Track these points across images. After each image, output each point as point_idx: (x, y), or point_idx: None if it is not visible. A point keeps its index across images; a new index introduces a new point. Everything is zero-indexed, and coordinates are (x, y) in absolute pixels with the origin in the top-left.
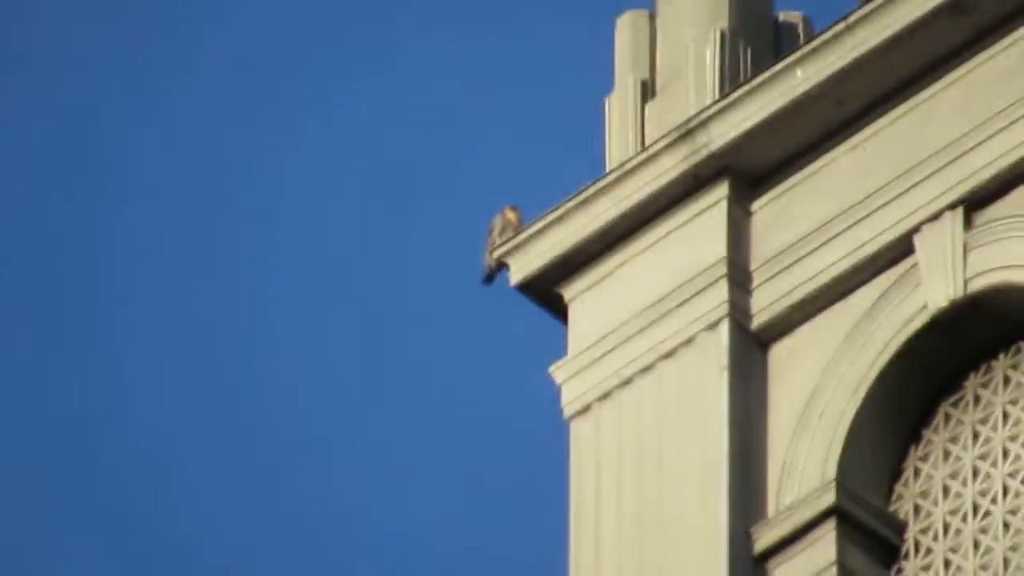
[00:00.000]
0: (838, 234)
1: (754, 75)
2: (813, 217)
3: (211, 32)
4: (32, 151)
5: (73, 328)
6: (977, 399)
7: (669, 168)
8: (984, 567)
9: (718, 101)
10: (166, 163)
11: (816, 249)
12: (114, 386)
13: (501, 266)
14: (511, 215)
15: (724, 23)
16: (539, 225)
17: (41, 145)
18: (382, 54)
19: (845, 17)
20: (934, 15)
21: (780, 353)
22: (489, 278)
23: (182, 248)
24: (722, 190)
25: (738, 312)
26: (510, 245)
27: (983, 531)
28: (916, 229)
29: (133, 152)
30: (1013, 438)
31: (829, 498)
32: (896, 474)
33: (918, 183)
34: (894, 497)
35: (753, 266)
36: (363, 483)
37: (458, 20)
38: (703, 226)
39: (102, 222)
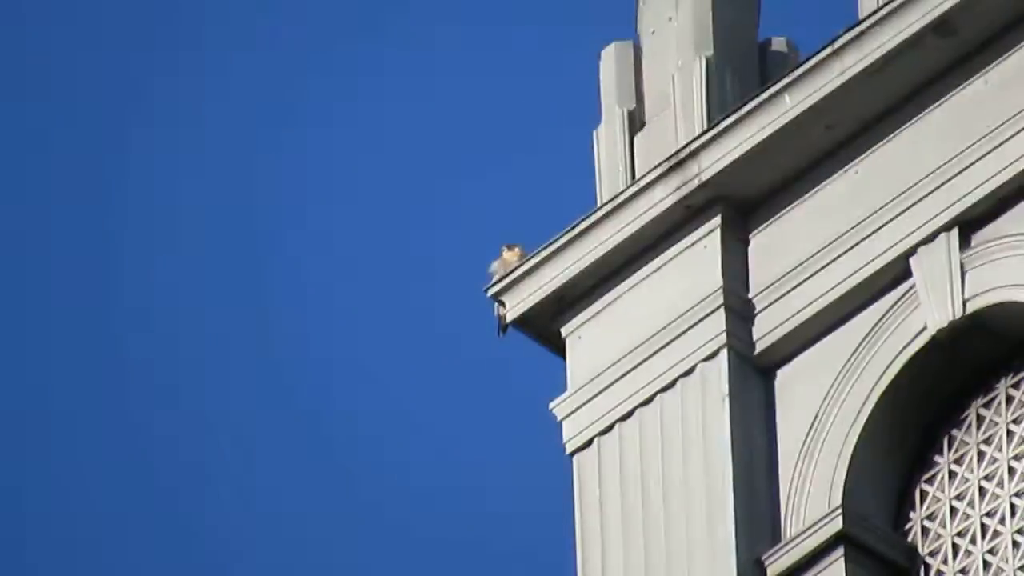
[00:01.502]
0: (834, 259)
1: (742, 103)
2: (808, 243)
3: (215, 31)
4: (30, 151)
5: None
6: (980, 419)
7: (661, 199)
8: None
9: (707, 130)
10: (170, 162)
11: (813, 275)
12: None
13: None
14: (508, 255)
15: (709, 51)
16: (533, 261)
17: (40, 144)
18: (367, 87)
19: (832, 42)
20: (920, 37)
21: (781, 380)
22: (503, 328)
23: (195, 249)
24: (715, 219)
25: (737, 341)
26: (505, 283)
27: (992, 552)
28: (912, 251)
29: (131, 150)
30: (1018, 457)
31: (836, 524)
32: (903, 497)
33: (912, 205)
34: (902, 521)
35: (750, 294)
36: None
37: (436, 58)
38: (698, 256)
39: (108, 220)
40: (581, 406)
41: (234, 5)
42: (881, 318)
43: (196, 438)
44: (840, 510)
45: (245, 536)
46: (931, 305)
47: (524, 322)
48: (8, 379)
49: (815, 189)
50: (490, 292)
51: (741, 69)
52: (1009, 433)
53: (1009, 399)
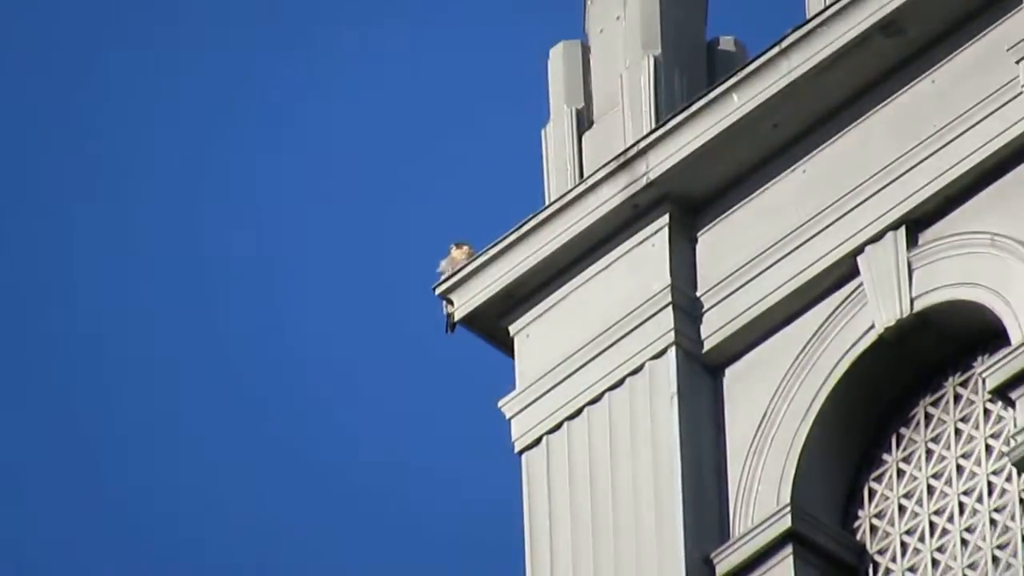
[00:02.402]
0: (782, 258)
1: (690, 102)
2: (756, 242)
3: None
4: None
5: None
6: (928, 418)
7: (609, 198)
8: None
9: (655, 129)
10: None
11: (761, 273)
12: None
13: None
14: (457, 253)
15: (657, 50)
16: (481, 259)
17: (15, 139)
18: (315, 86)
19: (779, 41)
20: (867, 37)
21: (729, 378)
22: (451, 327)
23: (172, 245)
24: (663, 218)
25: (685, 339)
26: (453, 281)
27: (940, 550)
28: (860, 250)
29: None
30: (966, 456)
31: (785, 522)
32: (851, 495)
33: (859, 204)
34: (850, 519)
35: (698, 292)
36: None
37: (384, 56)
38: (646, 255)
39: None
40: (529, 404)
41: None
42: (829, 316)
43: (160, 440)
44: (789, 508)
45: (210, 540)
46: (879, 303)
47: (472, 320)
48: None
49: (763, 188)
50: (438, 290)
51: (689, 68)
52: (957, 431)
53: (957, 397)
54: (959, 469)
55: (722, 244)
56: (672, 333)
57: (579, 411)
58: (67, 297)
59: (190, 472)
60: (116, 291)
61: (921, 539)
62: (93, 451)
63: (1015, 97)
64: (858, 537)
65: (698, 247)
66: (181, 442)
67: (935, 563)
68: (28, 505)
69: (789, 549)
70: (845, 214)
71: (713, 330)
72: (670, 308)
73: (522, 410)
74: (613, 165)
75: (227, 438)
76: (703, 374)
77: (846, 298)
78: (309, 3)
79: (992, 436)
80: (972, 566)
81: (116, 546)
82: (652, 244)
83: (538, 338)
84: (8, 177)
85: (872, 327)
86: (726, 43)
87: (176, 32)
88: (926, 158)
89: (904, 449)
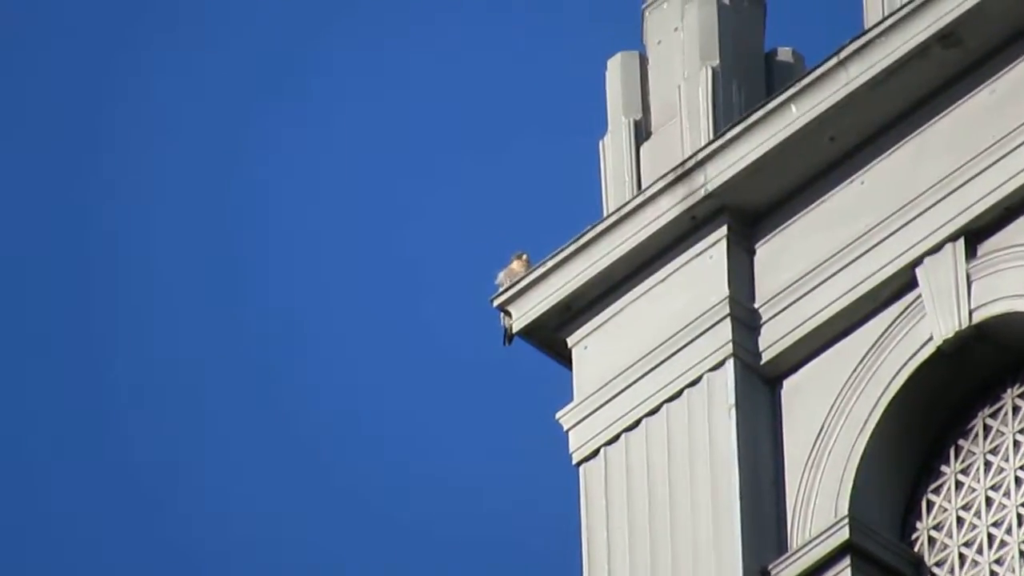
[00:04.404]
0: (840, 269)
1: (748, 113)
2: (814, 253)
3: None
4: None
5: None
6: (987, 429)
7: (667, 210)
8: None
9: (713, 140)
10: (159, 160)
11: (819, 285)
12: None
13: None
14: (515, 265)
15: (715, 61)
16: (539, 271)
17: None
18: (374, 89)
19: (837, 52)
20: (926, 48)
21: (787, 390)
22: (508, 339)
23: (185, 246)
24: (721, 229)
25: (743, 351)
26: (511, 293)
27: (999, 562)
28: (918, 261)
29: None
30: None
31: (843, 534)
32: (909, 507)
33: (918, 215)
34: (908, 531)
35: (756, 304)
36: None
37: (445, 66)
38: (704, 266)
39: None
40: (587, 416)
41: (207, 2)
42: (887, 328)
43: (188, 444)
44: (847, 520)
45: (236, 542)
46: (937, 315)
47: (530, 332)
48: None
49: (821, 199)
50: (496, 302)
51: (747, 79)
52: (1016, 443)
53: (1016, 409)
54: (1018, 481)
55: (780, 256)
56: (730, 345)
57: (637, 423)
58: (103, 297)
59: (243, 509)
60: (157, 290)
61: (979, 551)
62: (122, 446)
63: None
64: (916, 549)
65: (756, 259)
66: (230, 473)
67: (993, 575)
68: (57, 503)
69: (847, 561)
70: (903, 226)
71: (771, 342)
72: (728, 320)
73: (580, 422)
74: (671, 177)
75: (278, 455)
76: (761, 386)
77: (904, 310)
78: (374, 4)
79: None
80: None
81: (142, 541)
82: (710, 256)
83: (596, 350)
84: (41, 177)
85: (930, 339)
86: (784, 54)
87: (212, 30)
88: (984, 169)
89: (962, 461)
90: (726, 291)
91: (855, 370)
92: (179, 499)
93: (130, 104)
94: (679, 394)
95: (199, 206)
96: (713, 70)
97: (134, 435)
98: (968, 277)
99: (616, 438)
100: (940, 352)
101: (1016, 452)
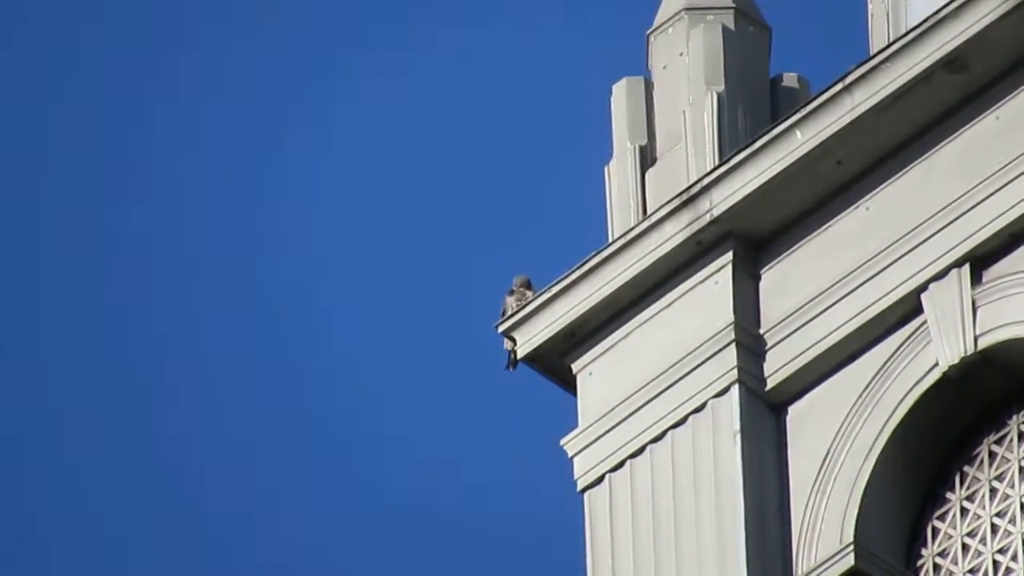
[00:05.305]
0: (846, 295)
1: (753, 139)
2: (819, 279)
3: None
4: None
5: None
6: (992, 456)
7: (672, 235)
8: None
9: (719, 166)
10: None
11: (824, 311)
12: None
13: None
14: (520, 291)
15: (720, 87)
16: (544, 297)
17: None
18: (378, 117)
19: (843, 77)
20: (931, 73)
21: (792, 416)
22: (512, 364)
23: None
24: (727, 255)
25: (748, 377)
26: (516, 319)
27: None
28: (923, 287)
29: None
30: None
31: (848, 561)
32: (914, 534)
33: (923, 241)
34: (913, 557)
35: (761, 330)
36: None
37: (448, 94)
38: (709, 292)
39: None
40: (592, 442)
41: (240, 9)
42: (892, 354)
43: (218, 439)
44: (852, 547)
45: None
46: (942, 341)
47: (535, 358)
48: (15, 380)
49: (826, 225)
50: (501, 328)
51: (752, 105)
52: (1021, 469)
53: (1021, 435)
54: (1023, 507)
55: (785, 281)
56: (735, 371)
57: (642, 449)
58: (139, 299)
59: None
60: (189, 297)
61: None
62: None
63: None
64: None
65: (761, 284)
66: (262, 481)
67: None
68: (105, 503)
69: None
70: (909, 251)
71: (776, 368)
72: (733, 346)
73: (584, 448)
74: (676, 202)
75: (294, 462)
76: (766, 412)
77: (910, 336)
78: (381, 36)
79: None
80: None
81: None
82: (715, 281)
83: (601, 376)
84: (85, 182)
85: (936, 365)
86: (789, 79)
87: (257, 30)
88: (990, 195)
89: (968, 487)
90: (731, 317)
91: (860, 396)
92: (216, 500)
93: (175, 103)
94: (684, 420)
95: (240, 208)
96: (718, 95)
97: (172, 436)
98: (974, 303)
99: (621, 464)
100: (945, 378)
101: (1022, 479)
